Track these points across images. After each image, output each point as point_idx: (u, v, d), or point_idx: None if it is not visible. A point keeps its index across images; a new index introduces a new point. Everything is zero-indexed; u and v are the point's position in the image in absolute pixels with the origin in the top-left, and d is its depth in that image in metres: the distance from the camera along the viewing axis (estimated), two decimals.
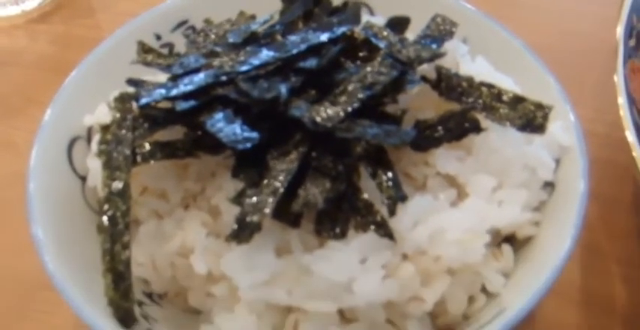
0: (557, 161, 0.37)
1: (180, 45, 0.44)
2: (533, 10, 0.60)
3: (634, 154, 0.39)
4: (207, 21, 0.42)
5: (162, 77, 0.38)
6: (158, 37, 0.44)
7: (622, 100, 0.42)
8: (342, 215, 0.33)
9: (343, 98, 0.33)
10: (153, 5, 0.51)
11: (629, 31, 0.49)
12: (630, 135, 0.41)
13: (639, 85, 0.46)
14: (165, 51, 0.44)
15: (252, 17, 0.40)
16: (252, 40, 0.38)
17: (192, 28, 0.45)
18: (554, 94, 0.39)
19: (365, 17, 0.39)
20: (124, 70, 0.40)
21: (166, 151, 0.35)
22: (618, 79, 0.44)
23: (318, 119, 0.32)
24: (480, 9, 0.44)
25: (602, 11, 0.50)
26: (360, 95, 0.33)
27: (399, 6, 0.43)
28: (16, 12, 0.64)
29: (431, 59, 0.36)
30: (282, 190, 0.32)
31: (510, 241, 0.36)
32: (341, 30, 0.36)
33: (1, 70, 0.60)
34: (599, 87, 0.49)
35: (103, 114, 0.39)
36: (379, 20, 0.39)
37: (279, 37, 0.38)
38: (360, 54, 0.36)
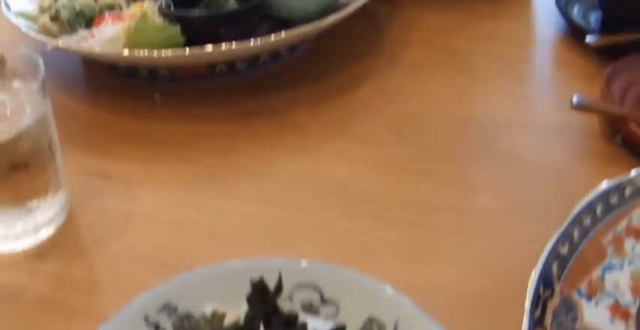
0: None
1: (166, 323, 0.57)
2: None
3: None
4: (188, 317, 0.55)
5: None
6: (146, 318, 0.57)
7: None
8: None
9: None
10: (132, 245, 0.68)
11: (536, 301, 0.63)
12: None
13: None
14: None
15: (223, 317, 0.54)
16: None
17: (175, 309, 0.58)
18: None
19: (312, 323, 0.52)
20: None
21: None
22: None
23: None
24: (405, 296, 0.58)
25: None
26: None
27: (344, 289, 0.57)
28: (16, 249, 0.77)
29: None
30: None
31: None
32: None
33: (5, 306, 0.71)
34: None
35: None
36: (321, 325, 0.53)
37: None
38: None
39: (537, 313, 0.61)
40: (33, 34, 0.95)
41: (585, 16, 1.12)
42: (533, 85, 1.03)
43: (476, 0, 1.19)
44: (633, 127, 0.87)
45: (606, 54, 1.01)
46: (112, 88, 0.98)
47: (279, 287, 0.54)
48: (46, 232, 0.78)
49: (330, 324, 0.54)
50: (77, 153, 0.86)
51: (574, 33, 1.08)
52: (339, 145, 0.88)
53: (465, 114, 0.93)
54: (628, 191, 0.73)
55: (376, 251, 0.72)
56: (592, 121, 0.91)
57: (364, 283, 0.58)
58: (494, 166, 0.85)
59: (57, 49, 0.92)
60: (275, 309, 0.53)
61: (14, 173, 0.74)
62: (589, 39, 1.03)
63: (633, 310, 0.64)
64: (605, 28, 1.09)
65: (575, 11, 1.13)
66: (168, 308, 0.58)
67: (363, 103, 0.94)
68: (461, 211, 0.79)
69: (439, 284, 0.68)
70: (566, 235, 0.67)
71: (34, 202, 0.76)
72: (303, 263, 0.59)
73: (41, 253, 0.76)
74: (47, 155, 0.76)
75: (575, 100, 0.89)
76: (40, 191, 0.77)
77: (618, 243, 0.70)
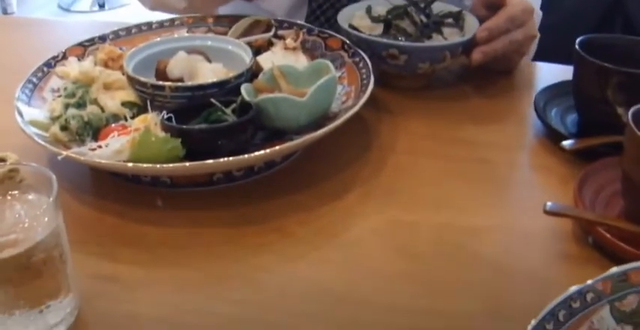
0: None
1: None
2: None
3: None
4: None
5: None
6: None
7: None
8: None
9: None
10: None
11: None
12: None
13: None
14: None
15: None
16: None
17: None
18: None
19: None
20: None
21: None
22: None
23: None
24: None
25: None
26: None
27: None
28: None
29: None
30: None
31: None
32: None
33: None
34: None
35: None
36: None
37: None
38: None
39: None
40: (45, 144, 1.04)
41: (562, 119, 1.22)
42: (512, 190, 1.12)
43: (457, 105, 1.29)
44: (603, 230, 0.96)
45: (582, 156, 1.10)
46: (117, 193, 1.07)
47: None
48: None
49: None
50: (85, 255, 0.94)
51: (551, 136, 1.17)
52: (325, 251, 0.97)
53: (445, 219, 1.02)
54: (589, 296, 0.82)
55: None
56: (566, 224, 1.00)
57: None
58: (472, 270, 0.94)
59: (67, 158, 1.01)
60: None
61: (28, 280, 0.83)
62: (564, 144, 1.12)
63: None
64: (581, 131, 1.19)
65: (553, 115, 1.22)
66: None
67: (349, 210, 1.03)
68: (440, 314, 0.87)
69: None
70: None
71: (46, 306, 0.85)
72: None
73: None
74: (59, 263, 0.85)
75: (548, 206, 0.98)
76: (51, 295, 0.85)
77: None
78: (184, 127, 1.02)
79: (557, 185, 1.07)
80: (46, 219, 0.82)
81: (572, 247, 0.97)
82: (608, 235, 0.95)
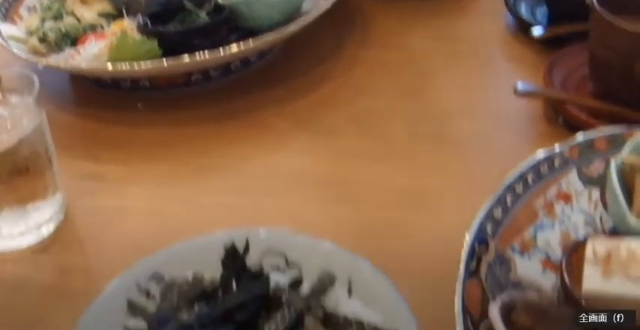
0: None
1: (155, 289, 0.69)
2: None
3: None
4: (173, 280, 0.68)
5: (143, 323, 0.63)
6: (138, 286, 0.70)
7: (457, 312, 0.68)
8: None
9: None
10: (126, 236, 0.81)
11: (471, 256, 0.75)
12: None
13: (475, 298, 0.71)
14: (144, 295, 0.69)
15: (202, 279, 0.66)
16: (203, 295, 0.64)
17: (162, 277, 0.70)
18: (407, 321, 0.64)
19: (275, 276, 0.65)
20: (120, 313, 0.66)
21: None
22: (457, 298, 0.69)
23: None
24: (359, 256, 0.70)
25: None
26: None
27: (306, 255, 0.69)
28: (21, 245, 0.89)
29: (317, 307, 0.62)
30: None
31: None
32: (259, 292, 0.62)
33: (16, 295, 0.82)
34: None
35: None
36: (284, 280, 0.65)
37: (220, 294, 0.63)
38: (271, 305, 0.62)
39: (472, 265, 0.73)
40: (24, 55, 1.07)
41: (532, 11, 1.24)
42: (483, 78, 1.15)
43: (430, 2, 1.31)
44: (573, 109, 0.99)
45: (551, 45, 1.12)
46: (98, 100, 1.10)
47: (247, 249, 0.66)
48: (46, 229, 0.90)
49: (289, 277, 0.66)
50: (71, 159, 0.97)
51: (521, 28, 1.19)
52: (304, 140, 1.01)
53: (419, 105, 1.05)
54: (557, 162, 0.86)
55: (343, 229, 0.84)
56: (536, 107, 1.03)
57: (323, 247, 0.71)
58: (444, 151, 0.98)
59: (47, 67, 1.04)
60: (244, 267, 0.65)
61: (17, 178, 0.86)
62: (534, 31, 1.14)
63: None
64: (550, 22, 1.21)
65: (523, 8, 1.25)
66: (157, 276, 0.70)
67: (324, 101, 1.06)
68: (416, 190, 0.91)
69: (392, 252, 0.80)
70: (499, 201, 0.79)
71: (35, 203, 0.88)
72: (269, 232, 0.72)
73: (43, 247, 0.88)
74: (45, 160, 0.88)
75: (519, 86, 1.01)
76: (39, 193, 0.89)
77: (549, 207, 0.82)
78: (160, 29, 1.05)
79: (527, 72, 1.09)
80: (29, 117, 0.85)
81: (543, 127, 1.00)
82: (578, 113, 0.97)
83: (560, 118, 1.01)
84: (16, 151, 0.85)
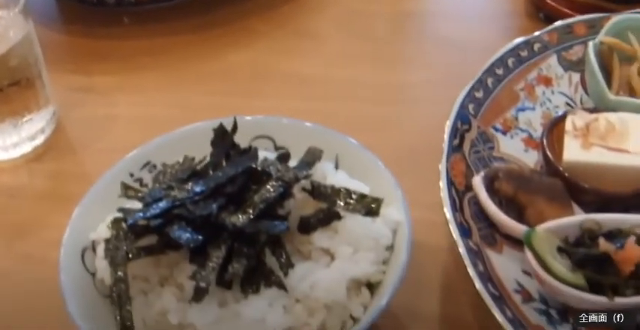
0: (395, 231, 0.65)
1: (147, 178, 0.72)
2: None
3: (451, 226, 0.67)
4: (164, 165, 0.70)
5: (139, 204, 0.66)
6: (132, 175, 0.72)
7: (443, 183, 0.71)
8: (255, 279, 0.60)
9: (250, 209, 0.61)
10: (118, 141, 0.81)
11: (454, 133, 0.77)
12: (448, 211, 0.68)
13: (459, 172, 0.74)
14: (137, 184, 0.72)
15: (193, 159, 0.68)
16: (194, 175, 0.66)
17: (154, 166, 0.72)
18: (392, 189, 0.67)
19: (263, 153, 0.67)
20: (114, 200, 0.68)
21: (146, 251, 0.62)
22: (442, 167, 0.72)
23: (238, 223, 0.60)
24: (347, 135, 0.72)
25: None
26: (261, 206, 0.61)
27: (293, 138, 0.72)
28: (16, 155, 0.91)
29: (305, 177, 0.64)
30: (217, 268, 0.59)
31: (370, 285, 0.64)
32: (247, 165, 0.64)
33: (12, 202, 0.86)
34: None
35: (104, 232, 0.65)
36: (271, 155, 0.68)
37: (210, 172, 0.66)
38: (260, 179, 0.64)
39: (456, 141, 0.76)
40: None
41: None
42: None
43: None
44: (554, 3, 1.01)
45: None
46: (84, 17, 1.11)
47: (235, 128, 0.68)
48: (39, 139, 0.92)
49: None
50: (61, 73, 0.99)
51: None
52: (289, 42, 1.03)
53: (401, 8, 1.07)
54: (537, 46, 0.88)
55: (330, 122, 0.85)
56: (518, 3, 1.05)
57: (310, 128, 0.73)
58: (428, 48, 1.00)
59: None
60: (233, 145, 0.67)
61: (8, 89, 0.88)
62: None
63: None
64: None
65: None
66: (149, 166, 0.73)
67: (308, 5, 1.08)
68: (397, 85, 0.93)
69: (379, 139, 0.81)
70: (480, 83, 0.82)
71: (27, 115, 0.91)
72: (257, 118, 0.74)
73: (37, 156, 0.91)
74: (34, 71, 0.90)
75: None
76: (31, 104, 0.91)
77: (530, 89, 0.84)
78: None
79: None
80: (17, 28, 0.87)
81: (525, 23, 1.02)
82: (558, 7, 0.99)
83: (542, 14, 1.03)
84: (6, 60, 0.86)
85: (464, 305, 0.70)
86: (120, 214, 0.65)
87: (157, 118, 0.91)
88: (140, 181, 0.72)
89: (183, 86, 0.97)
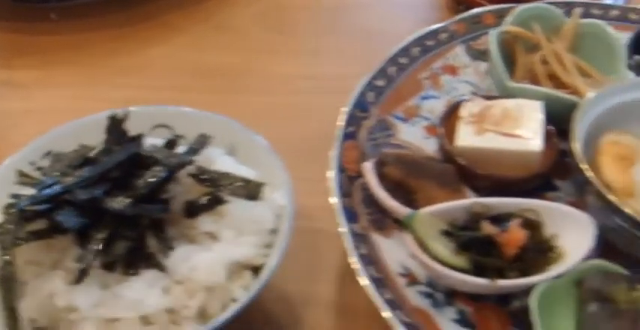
0: (280, 215, 0.67)
1: (46, 164, 0.74)
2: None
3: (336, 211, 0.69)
4: (58, 153, 0.71)
5: (33, 191, 0.67)
6: (32, 164, 0.74)
7: (332, 169, 0.73)
8: (136, 261, 0.62)
9: (132, 192, 0.63)
10: (31, 134, 0.81)
11: (351, 120, 0.79)
12: (334, 197, 0.70)
13: (352, 159, 0.76)
14: (38, 172, 0.73)
15: (87, 147, 0.70)
16: (87, 161, 0.68)
17: (55, 155, 0.74)
18: (280, 175, 0.69)
19: (155, 140, 0.69)
20: (12, 188, 0.70)
21: (36, 235, 0.64)
22: (332, 154, 0.74)
23: (118, 207, 0.62)
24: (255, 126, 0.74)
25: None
26: (143, 190, 0.63)
27: (193, 127, 0.74)
28: None
29: (189, 163, 0.66)
30: (99, 250, 0.61)
31: (256, 269, 0.66)
32: (133, 150, 0.66)
33: None
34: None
35: None
36: (159, 142, 0.69)
37: (103, 159, 0.68)
38: (147, 165, 0.66)
39: (351, 129, 0.78)
40: None
41: None
42: None
43: None
44: None
45: None
46: (11, 14, 1.13)
47: (126, 117, 0.70)
48: None
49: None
50: None
51: None
52: (209, 38, 1.06)
53: (326, 2, 1.09)
54: (443, 36, 0.90)
55: (245, 113, 0.86)
56: None
57: (202, 115, 0.75)
58: (347, 41, 1.02)
59: None
60: (124, 133, 0.69)
61: None
62: None
63: None
64: None
65: None
66: (51, 155, 0.74)
67: (231, 1, 1.10)
68: (312, 76, 0.95)
69: (279, 128, 0.83)
70: (382, 72, 0.84)
71: None
72: (156, 108, 0.76)
73: None
74: None
75: None
76: None
77: (435, 78, 0.87)
78: None
79: None
80: None
81: (445, 15, 1.04)
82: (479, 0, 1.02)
83: (462, 6, 1.05)
84: None
85: (360, 291, 0.72)
86: (12, 200, 0.66)
87: (73, 111, 0.91)
88: (42, 169, 0.73)
89: (102, 80, 0.99)
